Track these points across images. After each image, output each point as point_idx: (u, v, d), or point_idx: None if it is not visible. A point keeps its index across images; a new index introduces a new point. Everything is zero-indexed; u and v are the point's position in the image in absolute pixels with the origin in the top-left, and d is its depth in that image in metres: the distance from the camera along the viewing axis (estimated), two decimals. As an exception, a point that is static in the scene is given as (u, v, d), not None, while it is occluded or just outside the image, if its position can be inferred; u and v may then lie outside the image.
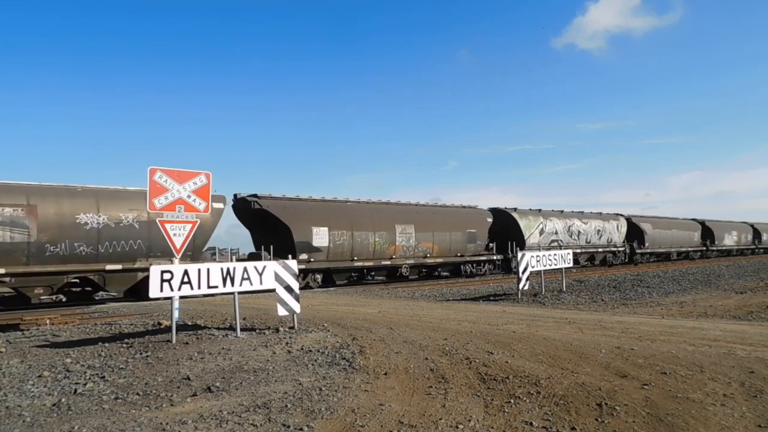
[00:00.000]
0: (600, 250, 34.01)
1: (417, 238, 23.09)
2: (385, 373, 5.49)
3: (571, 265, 16.96)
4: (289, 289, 8.34)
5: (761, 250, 58.08)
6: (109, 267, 15.11)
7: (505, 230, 27.75)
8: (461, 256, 25.23)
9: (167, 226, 8.54)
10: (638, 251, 37.39)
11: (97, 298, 16.53)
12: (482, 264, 26.37)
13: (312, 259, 19.86)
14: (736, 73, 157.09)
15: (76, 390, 5.32)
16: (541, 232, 29.17)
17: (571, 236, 31.22)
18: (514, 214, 28.39)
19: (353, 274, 22.06)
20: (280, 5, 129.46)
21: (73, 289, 15.97)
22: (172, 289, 7.25)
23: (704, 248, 46.12)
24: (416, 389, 4.93)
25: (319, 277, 20.44)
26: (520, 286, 13.95)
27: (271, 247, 18.27)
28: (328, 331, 8.04)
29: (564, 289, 15.74)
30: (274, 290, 8.35)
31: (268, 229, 20.01)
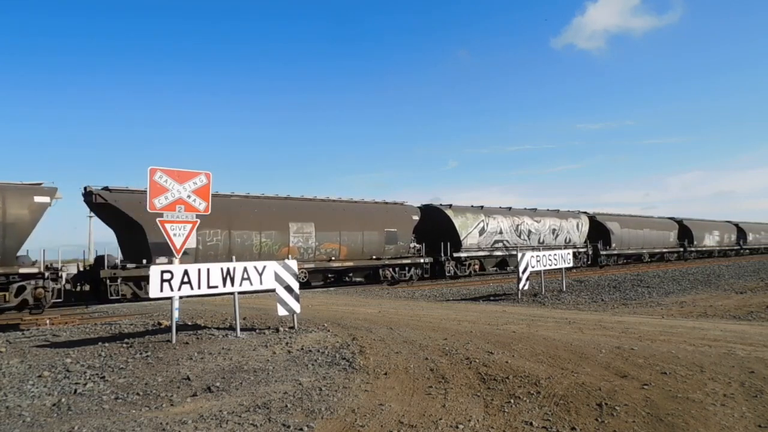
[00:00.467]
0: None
1: (318, 238, 19.79)
2: (385, 373, 5.49)
3: (571, 265, 16.94)
4: (289, 289, 8.35)
5: (747, 251, 53.56)
6: None
7: (438, 230, 24.88)
8: (378, 259, 21.82)
9: (167, 226, 8.55)
10: (603, 252, 34.00)
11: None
12: (407, 268, 23.10)
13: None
14: (736, 73, 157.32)
15: (76, 390, 5.32)
16: (482, 231, 26.12)
17: (519, 236, 28.09)
18: (448, 212, 25.28)
19: None
20: (280, 6, 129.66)
21: None
22: (172, 289, 7.26)
23: (681, 249, 42.93)
24: (416, 389, 4.93)
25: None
26: (520, 286, 13.96)
27: (119, 249, 16.25)
28: (328, 331, 8.04)
29: (564, 289, 15.74)
30: (274, 290, 8.35)
31: (123, 228, 17.04)
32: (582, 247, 32.76)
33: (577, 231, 32.49)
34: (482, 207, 27.33)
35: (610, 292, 15.35)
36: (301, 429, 4.01)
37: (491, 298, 15.21)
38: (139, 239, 16.19)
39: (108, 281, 15.44)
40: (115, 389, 5.33)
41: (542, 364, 5.53)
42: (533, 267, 14.44)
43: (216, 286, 7.70)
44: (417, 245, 24.00)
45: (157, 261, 15.52)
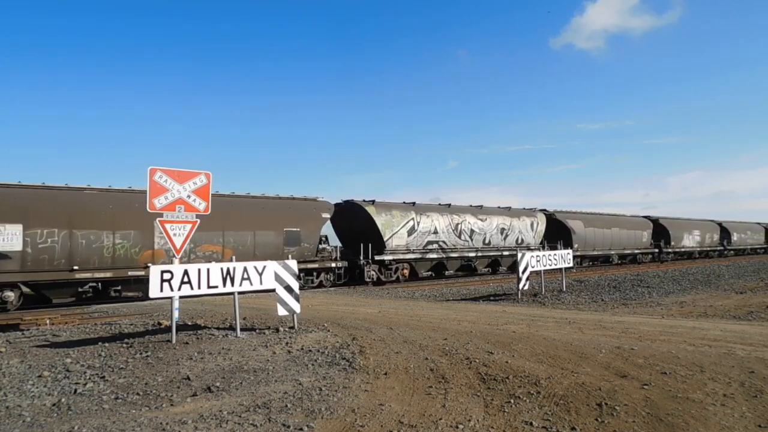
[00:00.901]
0: (506, 253, 27.51)
1: (194, 239, 16.14)
2: (385, 373, 5.49)
3: (571, 265, 16.95)
4: (289, 289, 8.35)
5: (731, 252, 50.14)
6: None
7: (357, 229, 22.15)
8: None
9: (167, 226, 8.55)
10: None
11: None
12: (314, 273, 20.12)
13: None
14: (736, 72, 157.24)
15: (76, 390, 5.33)
16: (411, 231, 22.99)
17: (460, 236, 25.09)
18: (369, 208, 21.99)
19: (82, 288, 15.47)
20: (279, 5, 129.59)
21: None
22: (172, 289, 7.26)
23: (656, 250, 39.78)
24: (416, 389, 4.93)
25: (11, 295, 14.23)
26: (520, 286, 13.96)
27: None
28: (328, 331, 8.04)
29: (564, 289, 15.75)
30: (274, 290, 8.35)
31: None
32: (537, 249, 28.77)
33: (531, 231, 29.31)
34: (414, 203, 24.24)
35: (610, 292, 15.36)
36: (301, 429, 4.02)
37: (491, 298, 15.21)
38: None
39: None
40: (115, 389, 5.33)
41: (542, 364, 5.53)
42: (532, 267, 14.46)
43: (216, 286, 7.71)
44: (328, 247, 21.01)
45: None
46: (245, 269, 8.03)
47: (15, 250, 14.26)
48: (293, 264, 8.59)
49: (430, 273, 24.72)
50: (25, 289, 15.07)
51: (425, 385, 5.02)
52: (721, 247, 48.67)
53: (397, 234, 22.46)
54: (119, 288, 16.14)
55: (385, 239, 21.89)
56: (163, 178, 8.45)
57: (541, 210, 31.69)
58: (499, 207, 28.90)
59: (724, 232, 49.69)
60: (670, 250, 40.46)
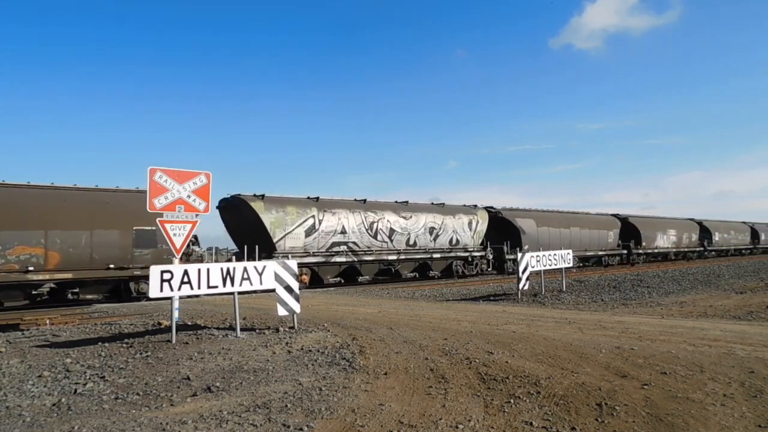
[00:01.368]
0: (437, 255, 24.63)
1: (3, 240, 14.09)
2: (385, 373, 5.49)
3: (571, 265, 16.94)
4: (289, 289, 8.35)
5: (712, 253, 46.76)
6: None
7: (244, 229, 19.44)
8: (123, 268, 15.80)
9: (167, 226, 8.55)
10: (510, 257, 27.05)
11: None
12: None
13: None
14: (736, 72, 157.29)
15: (76, 390, 5.32)
16: (311, 230, 19.93)
17: (376, 236, 21.96)
18: (255, 204, 18.89)
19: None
20: (279, 6, 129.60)
21: None
22: (172, 289, 7.26)
23: (625, 252, 36.59)
24: (416, 389, 4.93)
25: None
26: (520, 286, 13.97)
27: None
28: (328, 331, 8.04)
29: (564, 289, 15.75)
30: (274, 290, 8.35)
31: None
32: (477, 251, 26.26)
33: (469, 230, 26.02)
34: (317, 199, 20.95)
35: (610, 292, 15.36)
36: (301, 429, 4.02)
37: (491, 298, 15.21)
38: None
39: None
40: (115, 389, 5.33)
41: (542, 364, 5.53)
42: (533, 267, 14.46)
43: (216, 286, 7.71)
44: (199, 249, 17.87)
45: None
46: (245, 269, 8.03)
47: None
48: (293, 264, 8.59)
49: (338, 279, 21.54)
50: None
51: (425, 385, 5.02)
52: (701, 248, 45.41)
53: (292, 234, 19.10)
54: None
55: (275, 240, 18.82)
56: (163, 178, 8.45)
57: (486, 207, 28.74)
58: (432, 203, 25.88)
59: (705, 231, 46.46)
60: (641, 251, 37.44)
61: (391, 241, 22.71)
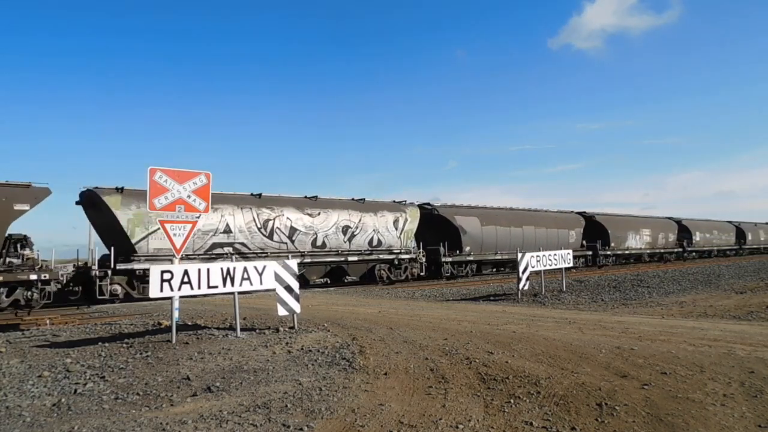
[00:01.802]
0: (353, 258, 21.47)
1: None
2: (385, 373, 5.49)
3: (571, 265, 16.93)
4: (289, 289, 8.35)
5: (692, 255, 43.29)
6: None
7: (106, 227, 16.86)
8: None
9: (167, 226, 8.55)
10: (446, 259, 24.46)
11: None
12: None
13: None
14: (737, 72, 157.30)
15: (76, 390, 5.32)
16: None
17: (271, 236, 19.08)
18: (110, 199, 16.04)
19: None
20: (279, 6, 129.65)
21: None
22: (172, 289, 7.26)
23: (590, 253, 33.01)
24: (416, 389, 4.93)
25: None
26: (520, 286, 13.97)
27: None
28: (328, 331, 8.04)
29: (564, 289, 15.74)
30: (274, 290, 8.35)
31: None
32: (405, 253, 23.30)
33: (395, 230, 22.98)
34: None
35: (610, 292, 15.35)
36: (301, 429, 4.01)
37: (491, 298, 15.21)
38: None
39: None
40: (115, 389, 5.33)
41: (542, 364, 5.53)
42: (533, 267, 14.46)
43: (216, 286, 7.71)
44: (29, 252, 14.74)
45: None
46: (245, 269, 8.04)
47: None
48: (293, 264, 8.59)
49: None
50: None
51: (425, 385, 5.02)
52: (680, 249, 42.00)
53: (158, 233, 15.99)
54: None
55: (133, 241, 16.17)
56: (163, 178, 8.45)
57: (423, 204, 25.59)
58: (352, 199, 22.56)
59: (684, 231, 42.98)
60: (608, 252, 34.21)
61: (292, 241, 19.66)
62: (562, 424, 3.91)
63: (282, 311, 8.30)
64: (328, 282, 22.35)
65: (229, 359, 6.34)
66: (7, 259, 14.29)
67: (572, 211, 34.65)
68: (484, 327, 8.21)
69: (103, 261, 16.13)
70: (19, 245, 14.76)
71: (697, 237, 44.40)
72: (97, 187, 16.58)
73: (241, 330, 8.07)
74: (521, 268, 13.99)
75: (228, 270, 7.85)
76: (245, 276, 7.99)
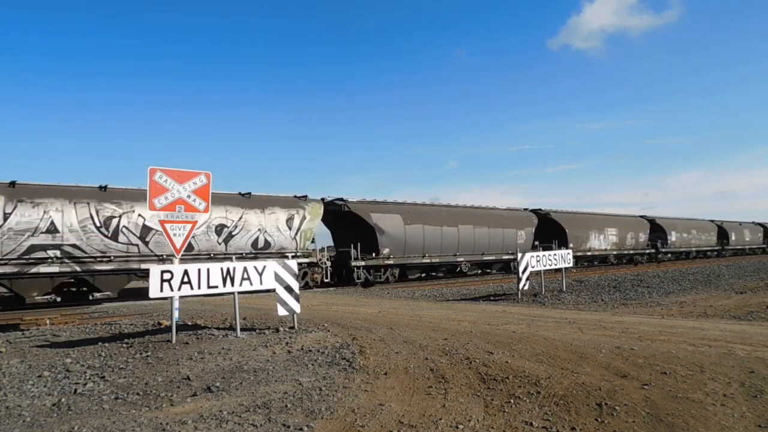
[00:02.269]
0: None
1: None
2: (385, 373, 5.49)
3: (571, 265, 16.94)
4: (289, 289, 8.35)
5: (668, 256, 40.24)
6: None
7: None
8: None
9: (167, 226, 8.55)
10: (359, 263, 21.32)
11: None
12: None
13: None
14: (737, 72, 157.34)
15: (76, 390, 5.33)
16: None
17: (116, 237, 15.78)
18: None
19: None
20: (279, 5, 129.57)
21: None
22: (172, 289, 7.26)
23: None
24: (416, 389, 4.93)
25: None
26: (520, 286, 13.97)
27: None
28: (328, 331, 8.04)
29: (564, 289, 15.74)
30: (274, 290, 8.36)
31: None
32: (301, 256, 19.60)
33: (288, 229, 19.67)
34: (13, 184, 14.58)
35: (610, 292, 15.35)
36: (301, 429, 4.02)
37: (491, 298, 15.21)
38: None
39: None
40: (115, 389, 5.33)
41: (542, 364, 5.53)
42: (533, 267, 14.46)
43: (216, 286, 7.71)
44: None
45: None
46: (245, 269, 8.04)
47: None
48: (293, 264, 8.59)
49: (51, 297, 15.44)
50: None
51: (425, 385, 5.02)
52: (652, 250, 38.70)
53: None
54: None
55: None
56: (163, 178, 8.45)
57: (335, 199, 22.36)
58: (239, 193, 19.18)
59: (658, 230, 39.77)
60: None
61: (146, 243, 16.33)
62: (562, 424, 3.91)
63: (282, 311, 8.30)
64: None
65: (229, 359, 6.34)
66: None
67: (525, 209, 31.35)
68: (484, 327, 8.21)
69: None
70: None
71: (672, 237, 40.94)
72: None
73: (241, 330, 8.07)
74: (521, 268, 13.99)
75: (228, 270, 7.85)
76: (245, 276, 8.00)
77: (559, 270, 16.25)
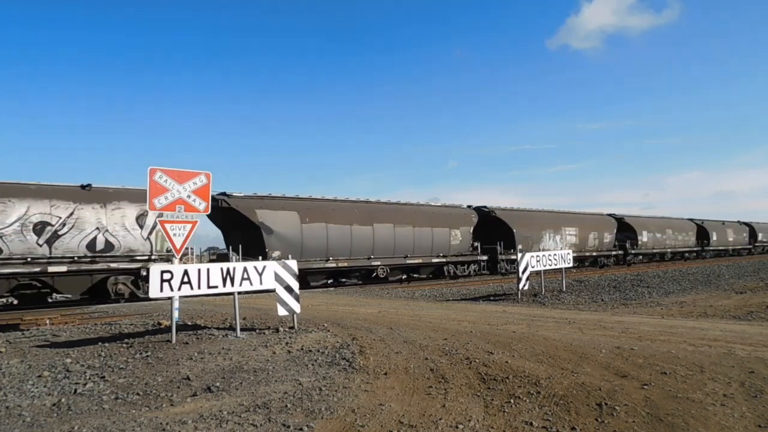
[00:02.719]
0: (60, 269, 14.80)
1: None
2: (385, 373, 5.49)
3: (571, 265, 16.93)
4: (289, 289, 8.35)
5: (639, 258, 37.03)
6: None
7: None
8: None
9: (167, 226, 8.54)
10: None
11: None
12: None
13: None
14: (737, 72, 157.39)
15: (76, 390, 5.32)
16: None
17: None
18: None
19: None
20: (278, 5, 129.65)
21: None
22: (172, 289, 7.26)
23: (485, 257, 26.28)
24: (416, 389, 4.93)
25: None
26: (520, 286, 13.96)
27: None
28: (328, 331, 8.04)
29: (564, 289, 15.74)
30: (274, 290, 8.36)
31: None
32: (158, 259, 16.34)
33: (140, 228, 16.44)
34: None
35: (610, 292, 15.35)
36: (301, 429, 4.02)
37: (491, 298, 15.21)
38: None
39: None
40: (115, 389, 5.33)
41: (542, 364, 5.53)
42: (533, 267, 14.46)
43: (216, 286, 7.71)
44: None
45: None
46: (245, 269, 8.04)
47: None
48: (293, 264, 8.59)
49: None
50: None
51: (425, 385, 5.02)
52: (620, 252, 35.59)
53: None
54: None
55: None
56: (163, 178, 8.44)
57: (217, 195, 18.77)
58: (79, 186, 16.00)
59: (627, 230, 36.61)
60: (512, 256, 24.84)
61: None
62: (562, 424, 3.91)
63: (282, 311, 8.30)
64: (16, 304, 15.52)
65: (229, 359, 6.34)
66: None
67: (469, 206, 27.77)
68: (484, 327, 8.21)
69: None
70: None
71: (644, 237, 37.62)
72: None
73: (241, 330, 8.07)
74: (521, 268, 13.99)
75: (228, 270, 7.85)
76: (245, 276, 8.00)
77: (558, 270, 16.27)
